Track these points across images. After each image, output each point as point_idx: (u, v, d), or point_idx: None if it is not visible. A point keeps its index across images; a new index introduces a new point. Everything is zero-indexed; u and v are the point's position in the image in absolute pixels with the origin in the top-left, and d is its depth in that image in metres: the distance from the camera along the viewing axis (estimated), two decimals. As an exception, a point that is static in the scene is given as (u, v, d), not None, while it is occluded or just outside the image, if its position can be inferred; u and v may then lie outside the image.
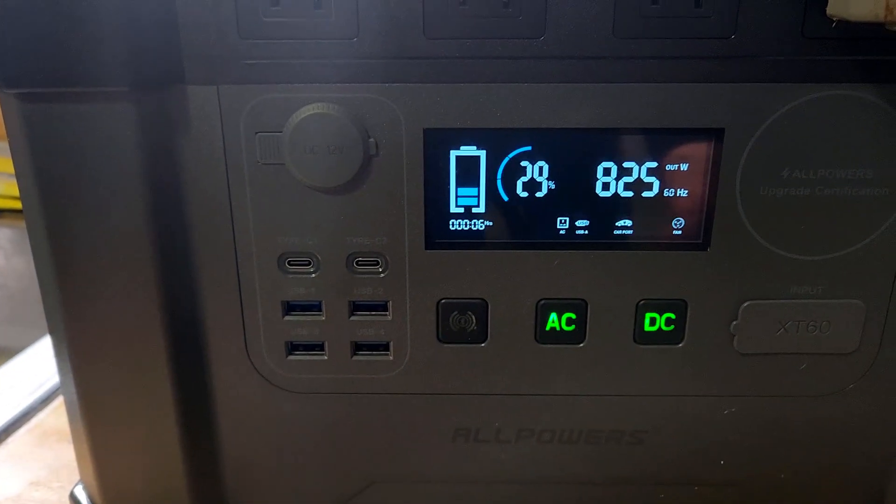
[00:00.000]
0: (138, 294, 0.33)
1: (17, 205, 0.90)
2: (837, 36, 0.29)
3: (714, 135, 0.31)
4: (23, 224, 0.85)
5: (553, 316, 0.34)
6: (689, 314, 0.34)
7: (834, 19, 0.29)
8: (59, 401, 0.51)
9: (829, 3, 0.29)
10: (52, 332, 0.35)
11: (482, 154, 0.32)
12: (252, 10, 0.29)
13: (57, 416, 0.49)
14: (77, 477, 0.40)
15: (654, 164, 0.32)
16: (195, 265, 0.33)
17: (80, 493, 0.39)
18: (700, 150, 0.32)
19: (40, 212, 0.32)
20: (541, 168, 0.32)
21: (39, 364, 0.55)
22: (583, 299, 0.34)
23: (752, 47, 0.30)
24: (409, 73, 0.30)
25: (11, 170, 0.80)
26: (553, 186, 0.33)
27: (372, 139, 0.31)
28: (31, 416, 0.49)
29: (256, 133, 0.31)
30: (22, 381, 0.52)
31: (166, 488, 0.37)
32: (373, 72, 0.30)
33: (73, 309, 0.33)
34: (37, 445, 0.47)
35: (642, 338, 0.35)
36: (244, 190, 0.32)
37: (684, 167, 0.32)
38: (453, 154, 0.32)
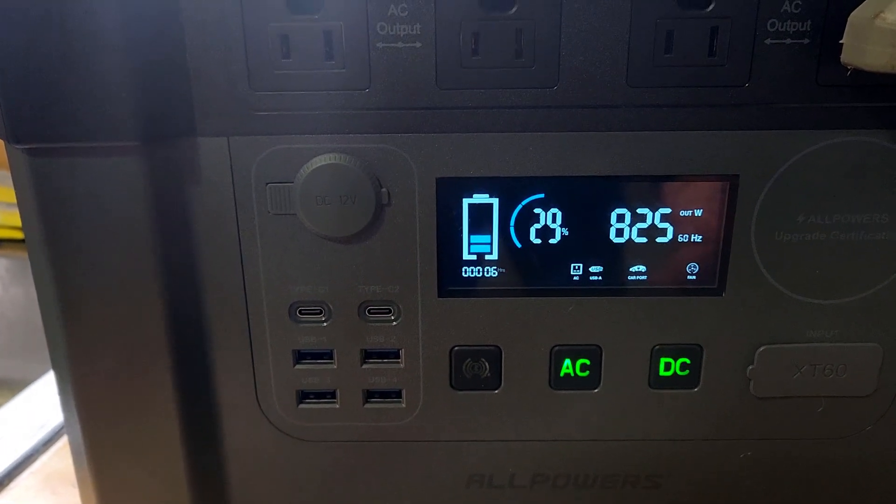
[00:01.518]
0: (147, 344, 0.33)
1: (15, 234, 0.89)
2: (852, 83, 0.30)
3: (729, 181, 0.32)
4: (20, 254, 0.85)
5: (567, 362, 0.35)
6: (704, 359, 0.34)
7: (849, 67, 0.29)
8: (63, 441, 0.50)
9: (843, 52, 0.29)
10: (58, 382, 0.35)
11: (495, 202, 0.32)
12: (263, 62, 0.30)
13: (61, 458, 0.49)
14: None
15: (667, 211, 0.32)
16: (206, 315, 0.33)
17: None
18: (715, 196, 0.32)
19: (48, 264, 0.31)
20: (554, 215, 0.33)
21: (41, 403, 0.54)
22: (597, 345, 0.34)
23: (766, 95, 0.30)
24: (421, 124, 0.31)
25: (10, 199, 0.79)
26: (566, 233, 0.33)
27: (384, 189, 0.31)
28: (35, 459, 0.48)
29: (267, 184, 0.31)
30: (25, 422, 0.51)
31: None
32: (385, 122, 0.31)
33: (81, 359, 0.33)
34: (41, 490, 0.46)
35: (657, 383, 0.35)
36: (255, 240, 0.32)
37: (699, 213, 0.32)
38: (466, 202, 0.32)
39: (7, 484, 0.46)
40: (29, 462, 0.48)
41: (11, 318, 0.87)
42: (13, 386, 0.83)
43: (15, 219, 0.88)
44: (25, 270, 0.87)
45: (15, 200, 0.74)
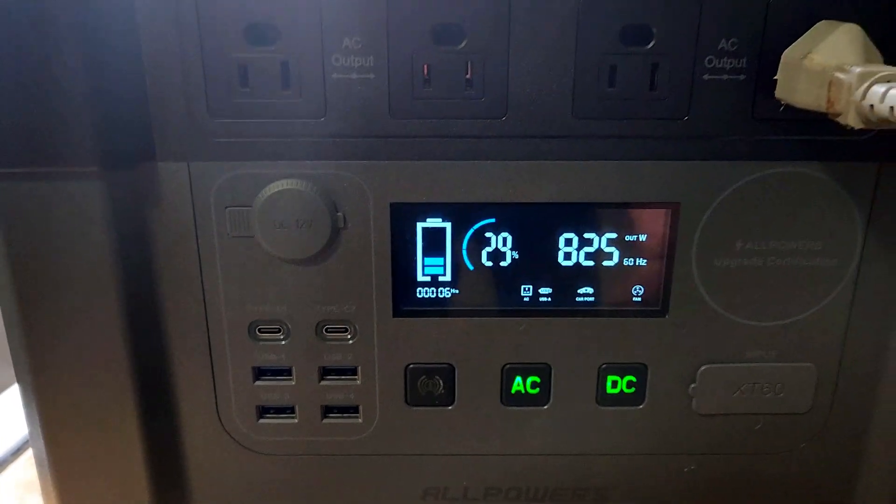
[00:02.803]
0: (109, 362, 0.34)
1: None
2: (785, 118, 0.31)
3: (670, 209, 0.33)
4: None
5: (518, 379, 0.36)
6: (649, 377, 0.36)
7: (782, 103, 0.30)
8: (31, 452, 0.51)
9: (777, 88, 0.31)
10: (23, 397, 0.36)
11: (448, 226, 0.34)
12: (222, 90, 0.31)
13: (30, 467, 0.49)
14: None
15: (613, 236, 0.34)
16: (167, 333, 0.35)
17: None
18: (657, 222, 0.34)
19: (11, 285, 0.32)
20: (504, 239, 0.34)
21: (9, 414, 0.55)
22: (547, 363, 0.36)
23: (704, 128, 0.32)
24: (375, 151, 0.32)
25: None
26: (517, 256, 0.34)
27: (340, 213, 0.33)
28: (3, 468, 0.49)
29: (226, 208, 0.33)
30: None
31: None
32: (340, 150, 0.32)
33: (44, 376, 0.34)
34: (11, 498, 0.47)
35: (604, 400, 0.36)
36: (215, 261, 0.33)
37: (643, 238, 0.34)
38: (420, 226, 0.34)
39: None
40: None
41: None
42: None
43: None
44: None
45: None
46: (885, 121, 0.25)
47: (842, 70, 0.27)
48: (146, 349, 0.34)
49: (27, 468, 0.49)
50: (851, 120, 0.27)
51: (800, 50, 0.30)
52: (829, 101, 0.28)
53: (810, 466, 0.38)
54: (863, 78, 0.26)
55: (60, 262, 0.32)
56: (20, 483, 0.48)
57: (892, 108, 0.25)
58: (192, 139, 0.32)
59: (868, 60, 0.28)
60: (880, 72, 0.26)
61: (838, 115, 0.28)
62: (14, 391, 0.57)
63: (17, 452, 0.51)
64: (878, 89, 0.26)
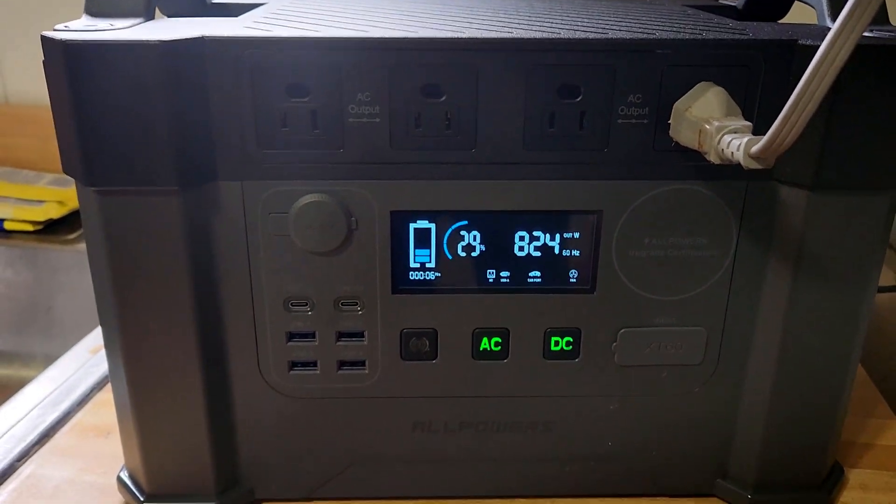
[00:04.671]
0: (180, 329, 0.40)
1: (26, 227, 0.96)
2: (677, 150, 0.37)
3: (596, 215, 0.39)
4: (32, 244, 0.93)
5: (485, 340, 0.42)
6: (582, 338, 0.42)
7: (673, 140, 0.37)
8: (94, 400, 0.58)
9: (670, 130, 0.37)
10: (109, 354, 0.43)
11: (432, 227, 0.40)
12: (268, 129, 0.37)
13: (93, 414, 0.57)
14: (116, 466, 0.47)
15: (555, 234, 0.40)
16: (223, 307, 0.40)
17: (125, 476, 0.46)
18: (587, 224, 0.40)
19: (109, 272, 0.39)
20: (475, 236, 0.40)
21: (71, 370, 0.62)
22: (506, 328, 0.42)
23: (620, 156, 0.38)
24: (380, 173, 0.38)
25: (21, 195, 0.89)
26: (483, 249, 0.40)
27: (353, 218, 0.38)
28: (72, 416, 0.56)
29: (269, 214, 0.38)
30: (61, 385, 0.60)
31: (196, 471, 0.44)
32: (354, 172, 0.38)
33: (129, 341, 0.40)
34: (79, 440, 0.54)
35: (549, 355, 0.42)
36: (259, 254, 0.39)
37: (577, 235, 0.40)
38: (412, 226, 0.40)
39: (52, 436, 0.54)
40: (67, 418, 0.57)
41: (22, 299, 0.94)
42: (22, 358, 0.92)
43: (26, 213, 0.96)
44: (35, 258, 0.93)
45: (27, 196, 0.86)
46: (729, 161, 0.34)
47: (708, 122, 0.34)
48: (208, 319, 0.40)
49: (91, 415, 0.57)
50: (713, 158, 0.34)
51: (684, 104, 0.37)
52: (699, 143, 0.35)
53: (703, 405, 0.44)
54: (718, 130, 0.34)
55: (147, 256, 0.38)
56: (87, 427, 0.55)
57: (732, 153, 0.33)
58: (246, 164, 0.37)
59: (729, 115, 0.35)
60: (729, 126, 0.34)
61: (706, 153, 0.35)
62: (66, 359, 0.65)
63: (81, 403, 0.58)
64: (727, 139, 0.33)
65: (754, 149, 0.32)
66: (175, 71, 0.34)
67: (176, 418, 0.42)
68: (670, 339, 0.43)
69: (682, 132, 0.37)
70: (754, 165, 0.32)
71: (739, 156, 0.33)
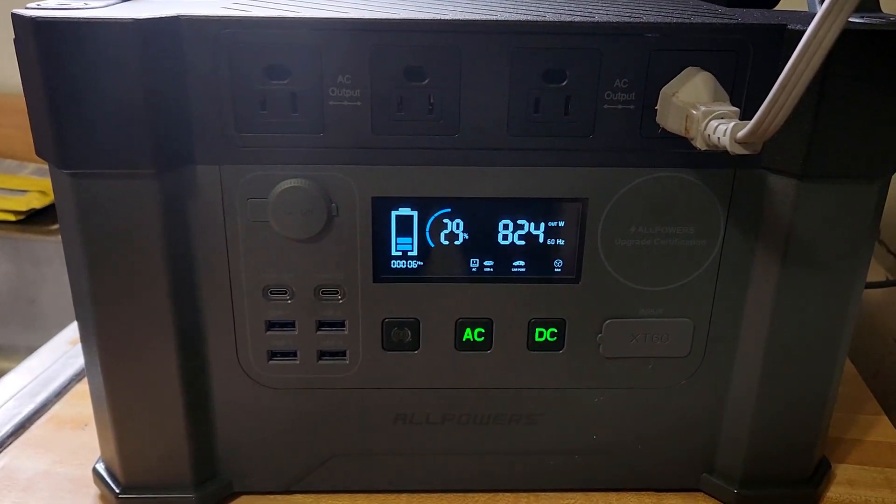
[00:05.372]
0: (156, 317, 0.39)
1: (8, 217, 0.95)
2: (663, 136, 0.36)
3: (581, 202, 0.39)
4: (13, 234, 0.92)
5: (468, 330, 0.41)
6: (567, 329, 0.42)
7: (660, 126, 0.37)
8: (72, 392, 0.57)
9: (657, 116, 0.37)
10: (84, 343, 0.42)
11: (415, 214, 0.39)
12: (246, 112, 0.36)
13: (71, 406, 0.56)
14: (92, 458, 0.47)
15: (540, 222, 0.40)
16: (201, 295, 0.40)
17: (101, 468, 0.46)
18: (572, 212, 0.39)
19: (84, 258, 0.38)
20: (458, 224, 0.40)
21: (50, 361, 0.61)
22: (490, 318, 0.41)
23: (605, 143, 0.37)
24: (361, 158, 0.37)
25: (5, 185, 0.87)
26: (467, 237, 0.40)
27: (334, 204, 0.38)
28: (49, 408, 0.56)
29: (248, 199, 0.38)
30: (38, 376, 0.59)
31: (173, 462, 0.43)
32: (334, 157, 0.37)
33: (104, 329, 0.40)
34: (55, 432, 0.53)
35: (533, 346, 0.42)
36: (238, 240, 0.39)
37: (562, 224, 0.40)
38: (394, 214, 0.39)
39: (29, 427, 0.53)
40: (44, 410, 0.56)
41: (4, 291, 0.93)
42: (4, 351, 0.90)
43: (8, 202, 0.94)
44: (17, 249, 0.92)
45: (9, 186, 0.85)
46: (715, 147, 0.33)
47: (695, 107, 0.34)
48: (185, 307, 0.39)
49: (68, 406, 0.56)
50: (699, 144, 0.34)
51: (671, 89, 0.36)
52: (686, 129, 0.35)
53: (690, 398, 0.43)
54: (705, 115, 0.33)
55: (123, 242, 0.37)
56: (64, 419, 0.54)
57: (718, 138, 0.33)
58: (224, 148, 0.36)
59: (716, 100, 0.35)
60: (716, 111, 0.34)
61: (693, 139, 0.35)
62: (42, 352, 0.64)
63: (58, 394, 0.58)
64: (714, 124, 0.33)
65: (740, 134, 0.32)
66: (151, 51, 0.34)
67: (152, 409, 0.42)
68: (656, 331, 0.42)
69: (668, 118, 0.37)
70: (740, 151, 0.31)
71: (726, 141, 0.32)
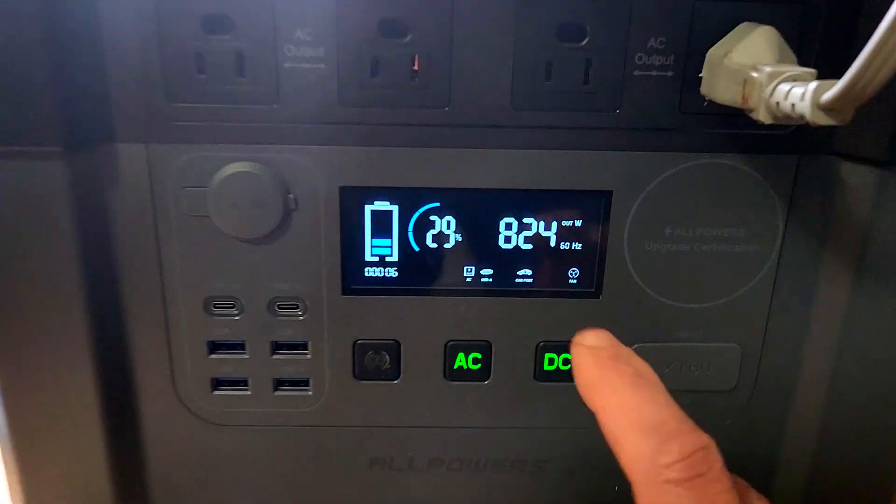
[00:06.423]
0: (68, 335, 0.34)
1: None
2: (709, 112, 0.32)
3: (603, 196, 0.35)
4: None
5: (460, 356, 0.37)
6: None
7: (706, 98, 0.32)
8: None
9: (702, 84, 0.32)
10: None
11: (395, 209, 0.35)
12: (179, 76, 0.32)
13: None
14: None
15: (551, 221, 0.35)
16: (125, 308, 0.35)
17: None
18: (591, 209, 0.35)
19: None
20: (448, 222, 0.35)
21: None
22: (487, 341, 0.37)
23: (635, 120, 0.33)
24: (325, 136, 0.33)
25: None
26: (460, 238, 0.36)
27: (291, 195, 0.34)
28: None
29: (183, 188, 0.33)
30: None
31: None
32: (292, 134, 0.33)
33: (4, 345, 0.35)
34: None
35: (542, 376, 0.37)
36: (172, 240, 0.34)
37: (578, 223, 0.35)
38: (368, 208, 0.35)
39: None
40: None
41: None
42: None
43: None
44: None
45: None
46: (787, 117, 0.27)
47: (755, 69, 0.29)
48: (105, 323, 0.35)
49: None
50: (761, 115, 0.29)
51: (722, 49, 0.31)
52: (743, 97, 0.29)
53: (736, 442, 0.39)
54: (771, 77, 0.28)
55: (22, 238, 0.33)
56: None
57: (793, 105, 0.26)
58: (151, 122, 0.32)
59: (781, 61, 0.30)
60: (787, 72, 0.28)
61: (751, 110, 0.29)
62: None
63: None
64: (783, 88, 0.27)
65: (826, 96, 0.25)
66: (56, 4, 0.30)
67: (66, 447, 0.37)
68: (696, 358, 0.38)
69: (718, 86, 0.31)
70: (825, 120, 0.26)
71: (805, 107, 0.26)
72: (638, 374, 0.28)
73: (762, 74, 0.28)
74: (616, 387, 0.27)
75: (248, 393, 0.38)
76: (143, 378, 0.37)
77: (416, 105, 0.33)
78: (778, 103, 0.27)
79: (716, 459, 0.25)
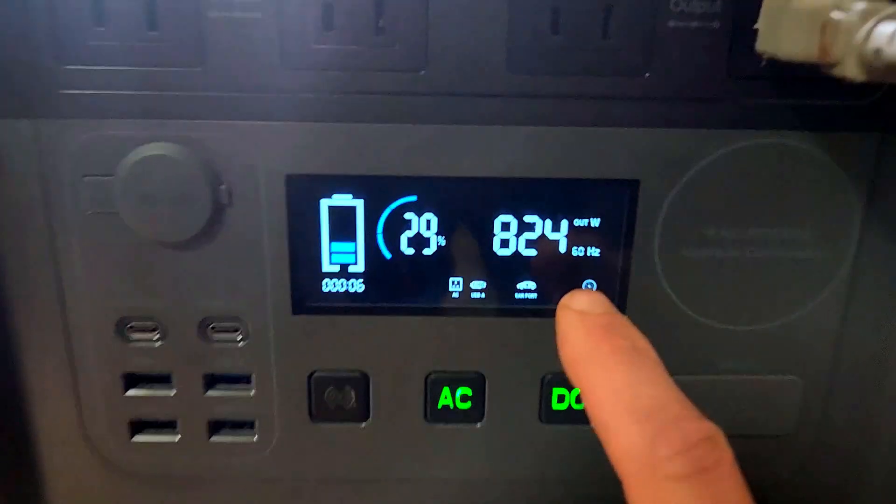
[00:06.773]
0: None
1: None
2: (768, 76, 0.28)
3: (628, 187, 0.31)
4: None
5: (446, 391, 0.33)
6: None
7: (764, 57, 0.28)
8: None
9: (758, 39, 0.28)
10: None
11: (359, 204, 0.31)
12: (72, 30, 0.27)
13: None
14: None
15: (560, 220, 0.31)
16: (17, 331, 0.31)
17: None
18: (612, 203, 0.31)
19: None
20: (428, 221, 0.31)
21: None
22: (480, 373, 0.33)
23: (669, 87, 0.29)
24: (266, 110, 0.29)
25: None
26: (443, 243, 0.32)
27: (224, 186, 0.30)
28: None
29: (84, 177, 0.29)
30: None
31: None
32: (222, 107, 0.29)
33: None
34: None
35: (550, 416, 0.34)
36: (71, 243, 0.30)
37: (595, 223, 0.31)
38: (324, 204, 0.31)
39: None
40: None
41: None
42: None
43: None
44: None
45: None
46: (893, 68, 0.21)
47: (839, 8, 0.24)
48: None
49: None
50: (851, 70, 0.23)
51: None
52: (822, 47, 0.24)
53: (796, 500, 0.35)
54: (867, 16, 0.23)
55: None
56: None
57: None
58: (38, 91, 0.28)
59: None
60: (886, 11, 0.22)
61: (834, 64, 0.24)
62: None
63: None
64: (886, 29, 0.22)
65: None
66: None
67: None
68: (745, 394, 0.34)
69: (782, 37, 0.27)
70: None
71: None
72: (635, 349, 0.25)
73: (852, 15, 0.23)
74: (608, 363, 0.25)
75: (177, 438, 0.34)
76: (45, 419, 0.33)
77: (382, 67, 0.29)
78: (878, 50, 0.22)
79: (725, 451, 0.23)
